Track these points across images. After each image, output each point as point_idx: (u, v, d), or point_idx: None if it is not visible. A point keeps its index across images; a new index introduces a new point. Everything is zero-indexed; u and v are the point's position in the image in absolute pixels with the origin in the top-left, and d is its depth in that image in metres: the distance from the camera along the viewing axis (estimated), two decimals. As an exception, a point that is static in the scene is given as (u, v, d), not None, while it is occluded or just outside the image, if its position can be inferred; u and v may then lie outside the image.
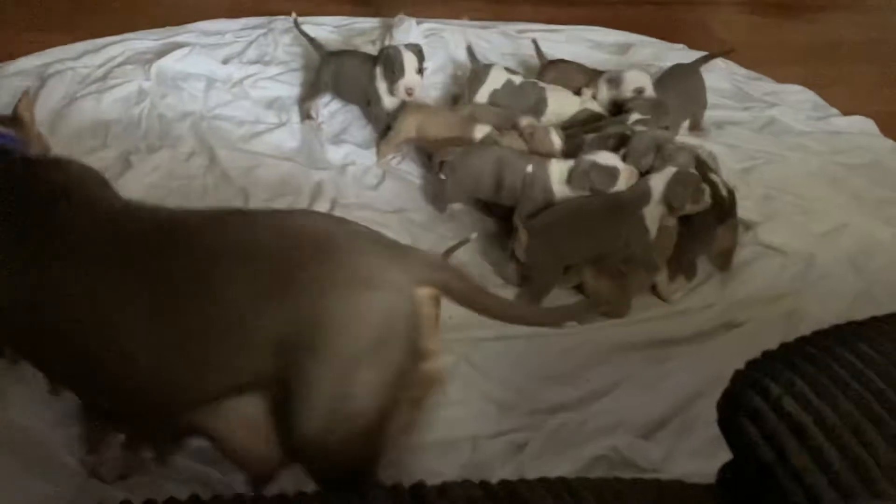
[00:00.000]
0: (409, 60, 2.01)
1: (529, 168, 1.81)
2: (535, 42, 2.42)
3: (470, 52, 2.31)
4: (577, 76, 2.25)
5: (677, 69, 2.26)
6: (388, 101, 2.08)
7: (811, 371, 0.86)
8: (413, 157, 2.14)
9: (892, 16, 3.25)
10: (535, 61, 2.44)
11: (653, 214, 1.71)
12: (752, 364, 0.91)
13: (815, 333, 0.94)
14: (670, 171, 1.73)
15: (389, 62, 2.03)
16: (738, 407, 0.86)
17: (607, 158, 1.76)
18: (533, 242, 1.71)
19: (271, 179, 2.02)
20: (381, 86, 2.07)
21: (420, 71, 2.03)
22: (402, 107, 2.07)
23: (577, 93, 2.17)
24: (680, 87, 2.18)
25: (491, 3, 3.03)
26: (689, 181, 1.72)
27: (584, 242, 1.73)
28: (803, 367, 0.87)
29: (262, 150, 2.12)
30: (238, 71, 2.40)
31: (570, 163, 1.80)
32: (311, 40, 2.29)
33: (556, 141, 1.93)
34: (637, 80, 2.11)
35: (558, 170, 1.80)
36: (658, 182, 1.72)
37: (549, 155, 1.88)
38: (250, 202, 1.93)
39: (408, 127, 2.04)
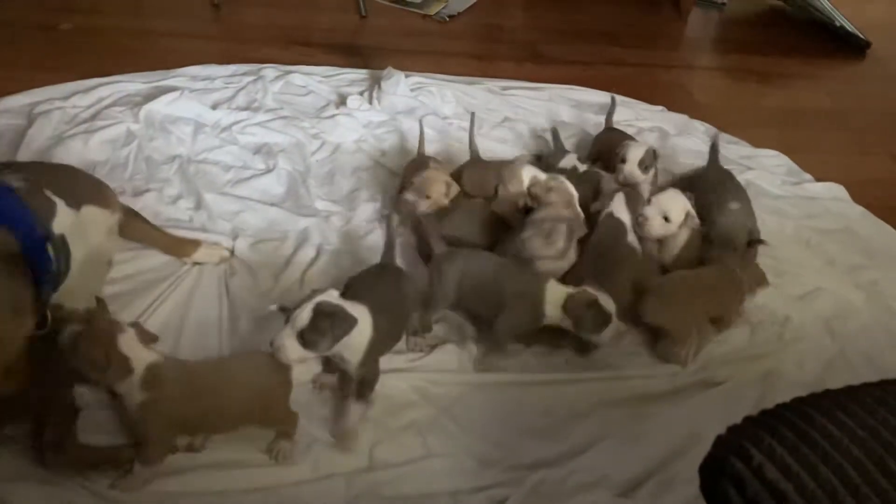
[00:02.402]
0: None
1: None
2: (612, 100, 2.50)
3: (554, 133, 2.36)
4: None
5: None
6: None
7: (791, 438, 0.88)
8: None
9: (863, 86, 3.38)
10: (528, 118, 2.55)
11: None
12: (733, 429, 0.93)
13: (794, 400, 0.97)
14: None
15: None
16: (721, 472, 0.88)
17: (609, 303, 1.66)
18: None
19: (258, 224, 2.03)
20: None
21: None
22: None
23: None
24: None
25: (476, 59, 3.11)
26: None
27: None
28: (783, 433, 0.89)
29: (249, 194, 2.13)
30: (227, 116, 2.42)
31: (568, 289, 1.68)
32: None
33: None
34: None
35: (555, 291, 1.68)
36: None
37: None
38: (236, 246, 1.94)
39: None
